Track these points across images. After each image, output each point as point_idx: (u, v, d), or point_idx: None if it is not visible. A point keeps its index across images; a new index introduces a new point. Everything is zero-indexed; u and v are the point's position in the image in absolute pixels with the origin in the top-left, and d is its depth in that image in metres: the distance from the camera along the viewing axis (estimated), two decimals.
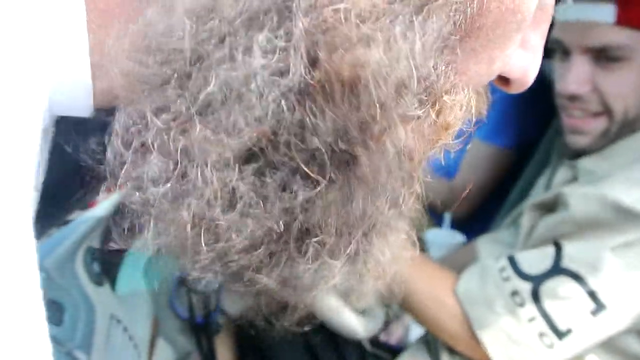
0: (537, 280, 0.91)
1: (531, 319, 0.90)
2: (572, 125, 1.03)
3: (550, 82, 1.07)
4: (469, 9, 0.34)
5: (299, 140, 0.32)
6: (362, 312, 0.96)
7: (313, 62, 0.31)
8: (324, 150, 0.33)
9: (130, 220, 0.37)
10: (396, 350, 1.14)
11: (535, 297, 0.91)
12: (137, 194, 0.33)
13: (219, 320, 0.90)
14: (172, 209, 0.33)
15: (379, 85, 0.32)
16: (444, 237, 1.31)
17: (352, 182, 0.35)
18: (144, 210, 0.34)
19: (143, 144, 0.32)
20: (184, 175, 0.32)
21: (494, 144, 1.39)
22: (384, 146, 0.34)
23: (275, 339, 1.01)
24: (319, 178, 0.33)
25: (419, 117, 0.35)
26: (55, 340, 0.56)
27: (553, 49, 1.02)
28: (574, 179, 1.04)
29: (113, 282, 0.74)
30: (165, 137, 0.32)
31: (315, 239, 0.38)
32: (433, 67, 0.34)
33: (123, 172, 0.33)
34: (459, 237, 1.34)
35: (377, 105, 0.32)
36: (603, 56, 0.98)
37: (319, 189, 0.34)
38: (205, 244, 0.35)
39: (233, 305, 0.89)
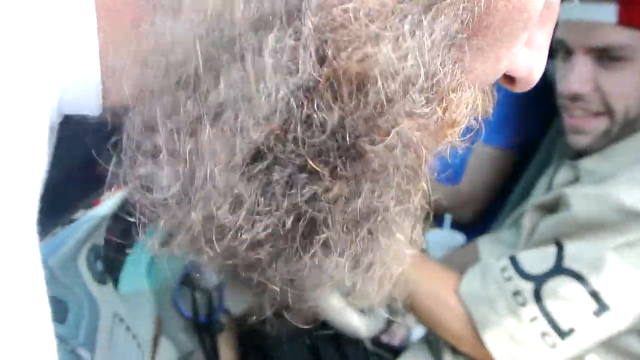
0: (538, 280, 0.91)
1: (533, 319, 0.90)
2: (573, 125, 1.04)
3: (552, 82, 1.07)
4: (476, 8, 0.34)
5: (306, 136, 0.32)
6: (365, 312, 0.96)
7: (322, 60, 0.31)
8: (330, 146, 0.33)
9: (137, 218, 0.37)
10: (398, 350, 1.15)
11: (537, 296, 0.91)
12: (146, 194, 0.33)
13: (222, 320, 0.90)
14: (181, 209, 0.33)
15: (387, 83, 0.32)
16: (444, 238, 1.31)
17: (358, 178, 0.35)
18: (153, 209, 0.34)
19: (153, 145, 0.32)
20: (192, 176, 0.32)
21: (496, 145, 1.39)
22: (391, 142, 0.34)
23: (277, 338, 1.02)
24: (326, 174, 0.34)
25: (425, 114, 0.35)
26: (59, 338, 0.56)
27: (555, 49, 1.03)
28: (575, 179, 1.04)
29: (116, 281, 0.74)
30: (175, 138, 0.32)
31: (321, 236, 0.38)
32: (440, 65, 0.34)
33: (132, 172, 0.33)
34: (458, 238, 1.34)
35: (385, 102, 0.32)
36: (605, 56, 0.99)
37: (325, 185, 0.34)
38: (212, 243, 0.35)
39: (236, 304, 0.89)
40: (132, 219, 0.42)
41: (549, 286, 0.91)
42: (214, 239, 0.35)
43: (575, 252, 0.92)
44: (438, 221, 1.37)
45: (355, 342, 1.05)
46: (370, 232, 0.39)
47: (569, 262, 0.91)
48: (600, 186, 0.95)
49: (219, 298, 0.87)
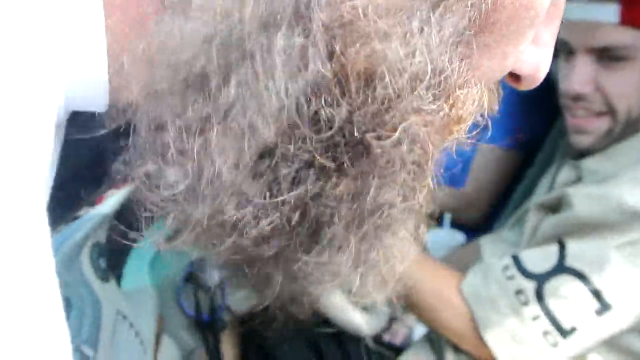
0: (541, 279, 0.92)
1: (535, 318, 0.90)
2: (575, 125, 1.04)
3: (554, 82, 1.07)
4: (483, 5, 0.35)
5: (314, 132, 0.32)
6: (367, 310, 0.96)
7: (330, 56, 0.31)
8: (338, 142, 0.33)
9: (143, 214, 0.37)
10: (400, 349, 1.15)
11: (539, 295, 0.91)
12: (154, 190, 0.33)
13: (225, 318, 0.90)
14: (188, 205, 0.34)
15: (395, 79, 0.32)
16: (444, 237, 1.31)
17: (365, 174, 0.35)
18: (160, 206, 0.34)
19: (161, 143, 0.33)
20: (200, 173, 0.33)
21: (499, 145, 1.39)
22: (398, 138, 0.34)
23: (279, 337, 1.02)
24: (333, 170, 0.34)
25: (432, 111, 0.35)
26: None
27: (557, 49, 1.02)
28: (577, 179, 1.04)
29: (119, 278, 0.74)
30: (184, 137, 0.32)
31: (326, 232, 0.38)
32: (448, 61, 0.34)
33: (140, 169, 0.33)
34: (458, 237, 1.34)
35: (392, 98, 0.32)
36: (607, 56, 0.99)
37: (332, 181, 0.34)
38: (219, 238, 0.35)
39: (239, 302, 0.89)
40: (136, 216, 0.42)
41: (551, 285, 0.91)
42: (220, 234, 0.35)
43: (578, 251, 0.92)
44: (438, 220, 1.37)
45: (357, 340, 1.05)
46: (375, 228, 0.39)
47: (571, 261, 0.92)
48: (602, 186, 0.95)
49: (222, 296, 0.87)
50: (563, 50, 1.02)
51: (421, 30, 0.32)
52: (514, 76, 0.43)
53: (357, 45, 0.31)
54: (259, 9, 0.31)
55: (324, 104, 0.32)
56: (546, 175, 1.15)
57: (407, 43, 0.32)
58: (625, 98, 0.99)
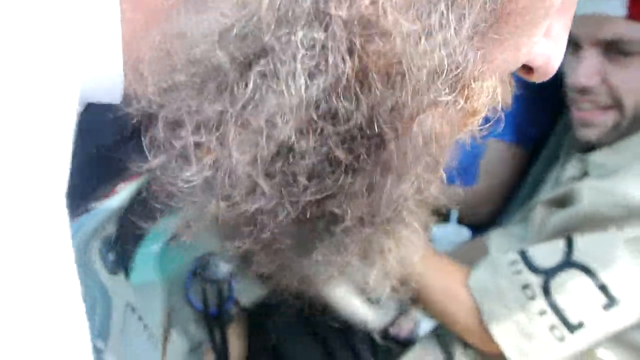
0: (548, 274, 0.92)
1: (542, 312, 0.90)
2: (581, 118, 1.03)
3: (561, 76, 1.07)
4: None
5: (332, 128, 0.32)
6: (375, 304, 0.96)
7: (350, 53, 0.31)
8: (355, 136, 0.33)
9: (158, 207, 0.37)
10: (406, 343, 1.15)
11: (546, 290, 0.91)
12: (170, 183, 0.34)
13: (232, 311, 0.90)
14: (204, 199, 0.34)
15: (414, 75, 0.32)
16: (450, 233, 1.31)
17: (382, 168, 0.35)
18: (175, 199, 0.34)
19: (178, 137, 0.33)
20: (218, 168, 0.33)
21: (508, 141, 1.38)
22: (415, 132, 0.34)
23: (285, 330, 1.02)
24: (349, 164, 0.34)
25: (448, 103, 0.35)
26: None
27: None
28: (584, 173, 1.04)
29: (127, 272, 0.74)
30: (201, 131, 0.32)
31: (340, 225, 0.38)
32: (464, 54, 0.34)
33: (156, 162, 0.34)
34: (464, 233, 1.34)
35: (411, 94, 0.32)
36: (614, 49, 0.98)
37: (348, 175, 0.34)
38: (233, 232, 0.35)
39: (246, 295, 0.89)
40: (144, 210, 0.42)
41: (558, 280, 0.91)
42: (235, 228, 0.35)
43: (585, 246, 0.92)
44: (444, 216, 1.37)
45: (363, 334, 1.05)
46: (388, 221, 0.39)
47: (578, 256, 0.92)
48: (609, 180, 0.95)
49: (230, 289, 0.87)
50: (570, 43, 1.02)
51: (440, 25, 0.32)
52: (526, 68, 0.43)
53: (377, 41, 0.31)
54: (278, 3, 0.30)
55: (342, 100, 0.32)
56: (552, 170, 1.15)
57: (426, 39, 0.32)
58: (633, 93, 0.99)
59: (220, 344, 0.89)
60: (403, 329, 1.18)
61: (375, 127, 0.33)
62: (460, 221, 1.32)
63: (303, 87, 0.31)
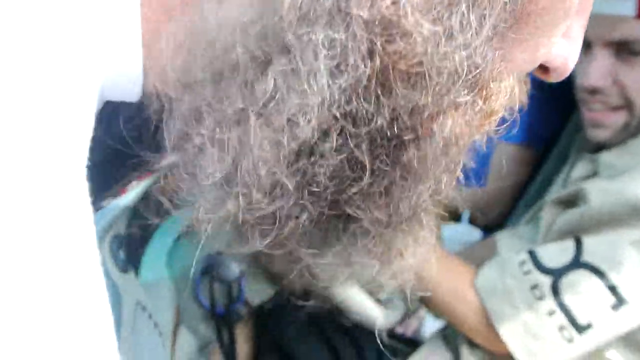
0: (557, 274, 0.91)
1: (551, 313, 0.90)
2: (592, 118, 1.03)
3: (571, 76, 1.06)
4: None
5: (352, 129, 0.32)
6: (383, 303, 0.96)
7: (370, 53, 0.31)
8: (375, 138, 0.33)
9: (168, 204, 0.37)
10: (411, 341, 1.15)
11: (555, 290, 0.91)
12: (189, 181, 0.34)
13: (240, 311, 0.90)
14: (222, 196, 0.34)
15: (435, 77, 0.32)
16: (461, 233, 1.31)
17: (399, 168, 0.35)
18: (193, 195, 0.34)
19: (197, 133, 0.33)
20: (237, 165, 0.32)
21: (516, 141, 1.38)
22: (433, 132, 0.34)
23: (293, 330, 1.02)
24: (369, 164, 0.34)
25: (467, 104, 0.35)
26: None
27: None
28: (594, 173, 1.04)
29: (137, 270, 0.74)
30: (220, 130, 0.32)
31: (357, 225, 0.38)
32: (484, 55, 0.34)
33: (175, 158, 0.33)
34: (475, 233, 1.34)
35: (431, 95, 0.32)
36: (624, 50, 0.98)
37: (367, 177, 0.34)
38: (250, 231, 0.35)
39: (256, 295, 0.89)
40: (155, 208, 0.42)
41: (567, 280, 0.91)
42: (253, 226, 0.35)
43: (594, 246, 0.91)
44: (455, 216, 1.37)
45: (370, 334, 1.05)
46: (406, 221, 0.39)
47: (587, 257, 0.91)
48: (619, 180, 0.94)
49: (239, 289, 0.87)
50: None
51: (461, 26, 0.32)
52: (542, 68, 0.43)
53: (398, 42, 0.31)
54: (299, 0, 0.30)
55: (363, 101, 0.32)
56: (562, 170, 1.15)
57: (447, 40, 0.32)
58: None
59: (228, 344, 0.88)
60: (408, 328, 1.18)
61: (396, 129, 0.33)
62: (471, 221, 1.31)
63: (325, 87, 0.31)
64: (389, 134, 0.33)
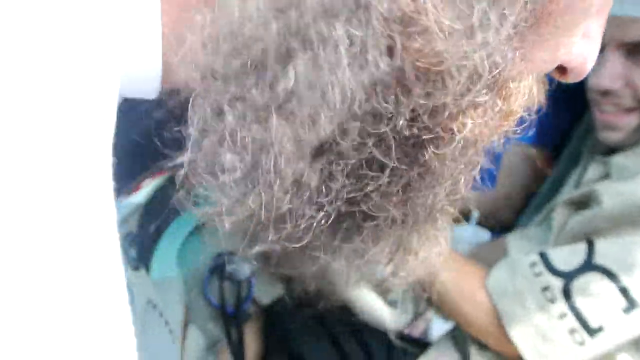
0: (568, 277, 0.91)
1: (562, 315, 0.89)
2: (604, 120, 1.02)
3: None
4: None
5: (372, 128, 0.32)
6: (393, 304, 0.96)
7: (390, 52, 0.31)
8: (394, 138, 0.33)
9: (180, 201, 0.37)
10: (418, 342, 1.14)
11: (567, 293, 0.90)
12: (207, 178, 0.33)
13: (249, 310, 0.90)
14: (241, 193, 0.33)
15: (455, 76, 0.32)
16: (469, 234, 1.30)
17: (417, 168, 0.35)
18: (212, 192, 0.34)
19: (217, 130, 0.32)
20: (256, 163, 0.32)
21: (531, 142, 1.37)
22: (452, 132, 0.34)
23: (301, 330, 1.02)
24: (388, 163, 0.34)
25: (487, 105, 0.35)
26: None
27: None
28: (606, 175, 1.03)
29: (147, 268, 0.74)
30: (240, 126, 0.32)
31: (371, 223, 0.38)
32: (504, 55, 0.34)
33: (193, 154, 0.33)
34: (483, 234, 1.33)
35: (451, 95, 0.32)
36: (637, 51, 0.97)
37: (385, 176, 0.34)
38: (268, 227, 0.35)
39: (265, 294, 0.89)
40: (166, 207, 0.41)
41: (579, 283, 0.90)
42: (270, 223, 0.35)
43: (606, 248, 0.91)
44: (464, 216, 1.36)
45: (378, 334, 1.05)
46: (423, 221, 0.39)
47: (599, 259, 0.91)
48: (632, 182, 0.94)
49: (249, 288, 0.87)
50: None
51: (481, 25, 0.32)
52: (559, 69, 0.42)
53: (418, 40, 0.31)
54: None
55: (382, 100, 0.31)
56: (573, 171, 1.14)
57: (467, 39, 0.31)
58: None
59: (236, 343, 0.88)
60: (416, 329, 1.18)
61: (415, 128, 0.33)
62: (480, 222, 1.31)
63: (345, 85, 0.31)
64: (407, 133, 0.33)
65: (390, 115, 0.32)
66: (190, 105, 0.33)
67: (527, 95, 0.38)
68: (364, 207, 0.36)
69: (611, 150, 1.03)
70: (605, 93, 1.00)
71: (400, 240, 0.41)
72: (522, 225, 1.22)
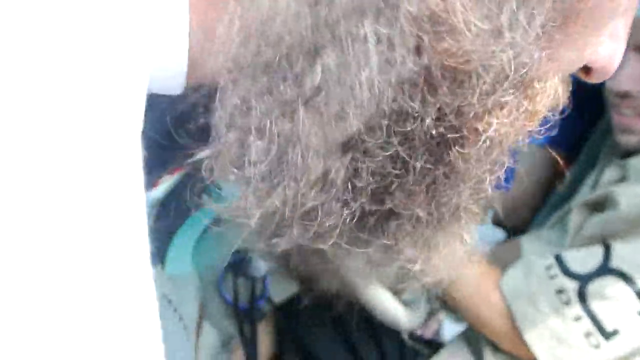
0: (584, 280, 0.90)
1: (577, 318, 0.89)
2: (622, 123, 1.02)
3: None
4: None
5: (398, 127, 0.32)
6: (408, 304, 0.96)
7: (417, 50, 0.31)
8: (420, 137, 0.33)
9: (195, 198, 0.37)
10: (430, 342, 1.14)
11: (582, 296, 0.89)
12: (235, 171, 0.33)
13: (263, 308, 0.90)
14: (266, 188, 0.33)
15: (481, 75, 0.31)
16: (484, 233, 1.30)
17: (442, 167, 0.35)
18: (236, 186, 0.34)
19: (244, 124, 0.32)
20: (282, 158, 0.32)
21: (542, 143, 1.36)
22: (478, 132, 0.34)
23: (314, 328, 1.02)
24: (413, 162, 0.33)
25: (513, 105, 0.34)
26: None
27: None
28: (623, 178, 1.02)
29: (163, 264, 0.74)
30: (267, 120, 0.32)
31: (396, 222, 0.38)
32: (532, 54, 0.33)
33: (218, 148, 0.33)
34: (498, 234, 1.32)
35: (477, 94, 0.32)
36: None
37: (411, 175, 0.34)
38: (292, 224, 0.35)
39: (280, 292, 0.89)
40: (183, 202, 0.41)
41: (595, 286, 0.89)
42: (294, 219, 0.35)
43: (623, 252, 0.90)
44: None
45: (391, 334, 1.04)
46: (445, 219, 0.39)
47: (615, 262, 0.90)
48: None
49: (264, 286, 0.87)
50: None
51: (509, 24, 0.32)
52: (584, 69, 0.42)
53: (446, 39, 0.30)
54: None
55: (409, 99, 0.31)
56: (590, 173, 1.13)
57: (496, 39, 0.31)
58: None
59: (250, 340, 0.88)
60: (428, 330, 1.17)
61: (441, 128, 0.33)
62: (495, 222, 1.30)
63: (372, 82, 0.30)
64: (434, 132, 0.33)
65: (416, 114, 0.32)
66: (217, 98, 0.33)
67: (552, 95, 0.38)
68: (388, 206, 0.36)
69: (629, 153, 1.02)
70: (624, 96, 0.99)
71: (425, 239, 0.41)
72: (537, 225, 1.22)
